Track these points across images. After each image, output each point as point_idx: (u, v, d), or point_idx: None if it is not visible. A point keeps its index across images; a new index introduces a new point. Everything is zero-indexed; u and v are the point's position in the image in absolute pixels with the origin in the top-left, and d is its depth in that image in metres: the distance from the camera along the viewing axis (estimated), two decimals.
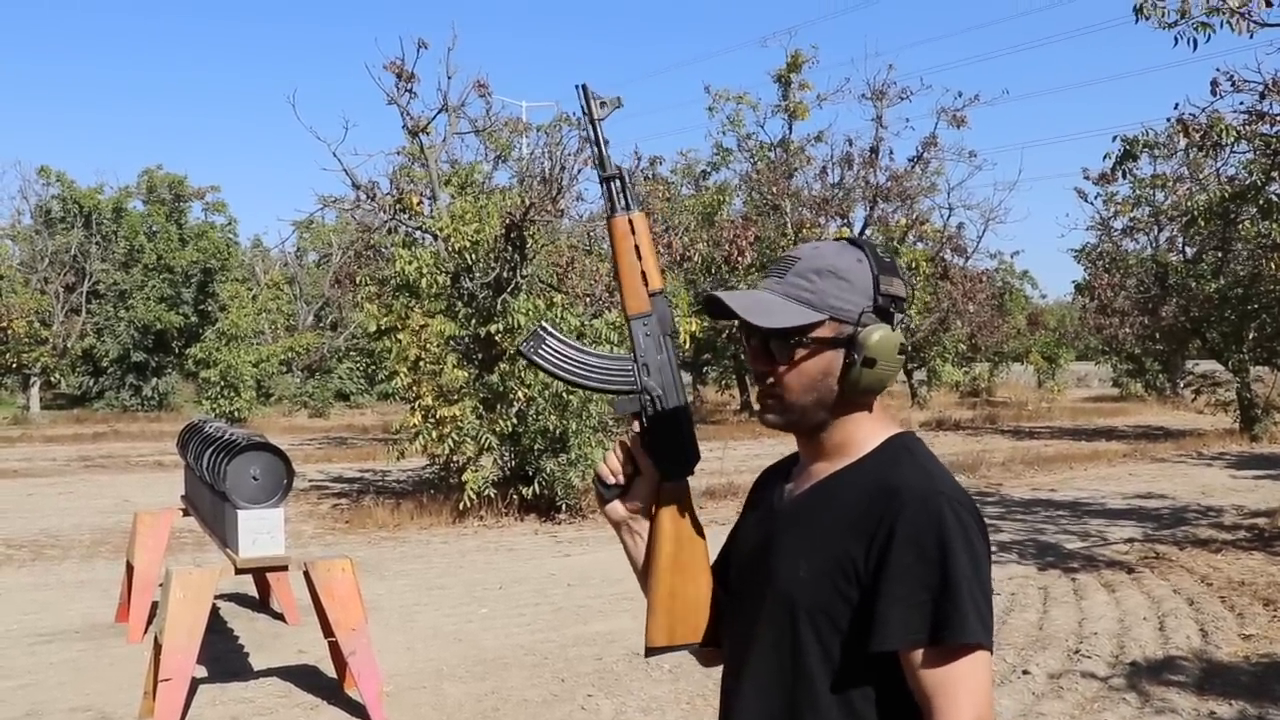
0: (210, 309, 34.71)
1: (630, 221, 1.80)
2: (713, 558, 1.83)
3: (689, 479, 1.81)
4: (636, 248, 1.80)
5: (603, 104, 1.83)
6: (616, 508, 1.83)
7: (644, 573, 1.83)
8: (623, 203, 1.81)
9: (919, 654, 1.53)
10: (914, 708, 1.57)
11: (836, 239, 1.85)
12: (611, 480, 1.81)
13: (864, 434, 1.70)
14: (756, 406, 1.78)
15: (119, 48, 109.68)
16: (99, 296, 35.42)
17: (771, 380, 1.69)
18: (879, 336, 1.64)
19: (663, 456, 1.79)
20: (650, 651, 1.80)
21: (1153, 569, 9.27)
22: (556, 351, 1.87)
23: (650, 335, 1.80)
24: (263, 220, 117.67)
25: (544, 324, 1.94)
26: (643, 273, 1.80)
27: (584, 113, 1.83)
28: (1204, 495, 14.05)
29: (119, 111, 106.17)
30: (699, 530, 1.80)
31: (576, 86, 1.82)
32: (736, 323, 1.69)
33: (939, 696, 1.52)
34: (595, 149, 1.84)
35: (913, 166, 26.02)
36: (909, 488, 1.59)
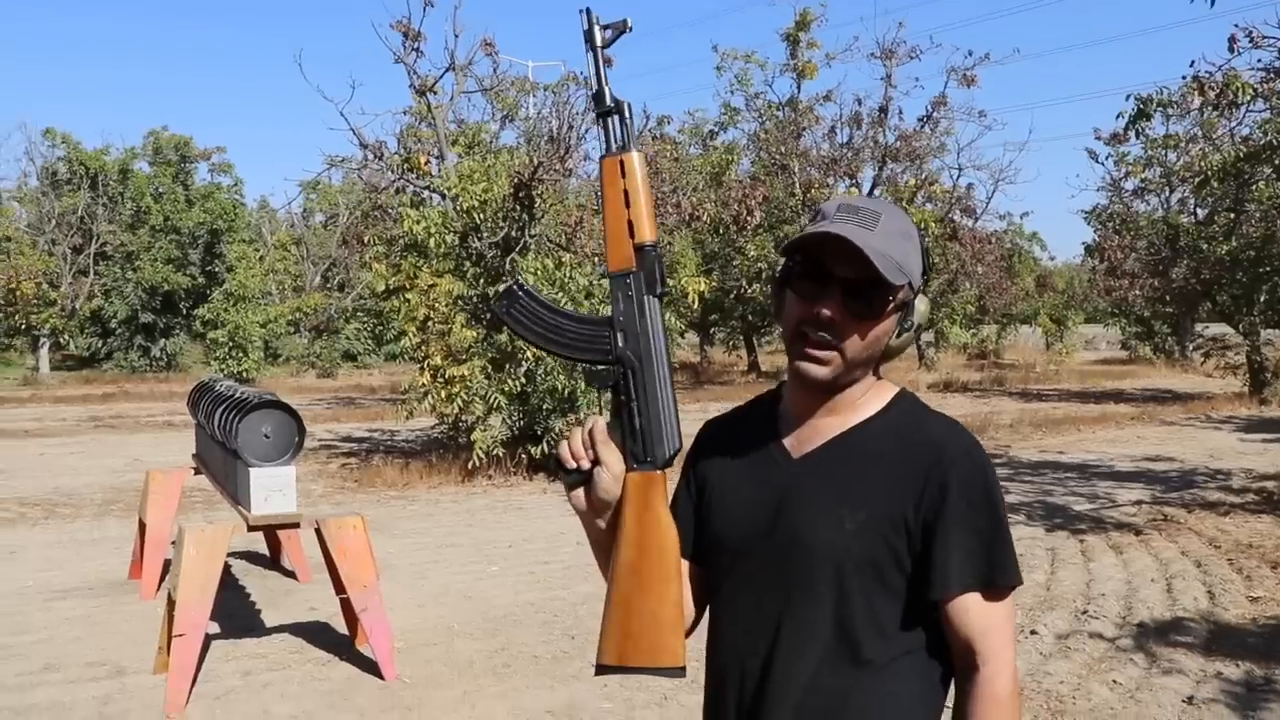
0: (217, 270, 34.75)
1: (621, 163, 1.63)
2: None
3: (665, 470, 1.62)
4: (626, 193, 1.63)
5: (606, 28, 1.66)
6: (578, 497, 1.65)
7: (605, 575, 1.68)
8: (618, 141, 1.65)
9: (971, 597, 1.60)
10: (943, 654, 1.65)
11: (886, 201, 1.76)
12: (572, 465, 1.62)
13: (873, 391, 1.71)
14: (800, 356, 1.63)
15: (123, 8, 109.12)
16: (106, 258, 35.46)
17: (848, 332, 1.61)
18: (925, 306, 1.71)
19: (634, 441, 1.60)
20: (599, 669, 1.67)
21: (1161, 531, 9.27)
22: (529, 311, 1.69)
23: (631, 297, 1.61)
24: (269, 181, 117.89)
25: (519, 281, 1.76)
26: (629, 222, 1.62)
27: (585, 39, 1.66)
28: (1212, 458, 14.03)
29: (124, 72, 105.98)
30: (669, 534, 1.61)
31: (581, 11, 1.66)
32: (791, 261, 1.63)
33: (987, 638, 1.60)
34: (594, 79, 1.66)
35: (922, 126, 25.83)
36: (952, 441, 1.63)
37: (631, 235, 1.62)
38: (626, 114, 1.65)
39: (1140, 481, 12.13)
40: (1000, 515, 1.61)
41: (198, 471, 7.62)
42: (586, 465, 1.61)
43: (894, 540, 1.60)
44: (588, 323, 1.67)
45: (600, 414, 1.64)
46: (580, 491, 1.64)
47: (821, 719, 1.62)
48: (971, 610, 1.59)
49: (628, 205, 1.62)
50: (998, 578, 1.60)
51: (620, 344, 1.61)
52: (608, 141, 1.65)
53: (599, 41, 1.66)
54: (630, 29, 1.67)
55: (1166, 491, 11.42)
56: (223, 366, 28.49)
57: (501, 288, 1.76)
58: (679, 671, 1.63)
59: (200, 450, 7.62)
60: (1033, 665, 5.79)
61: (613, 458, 1.60)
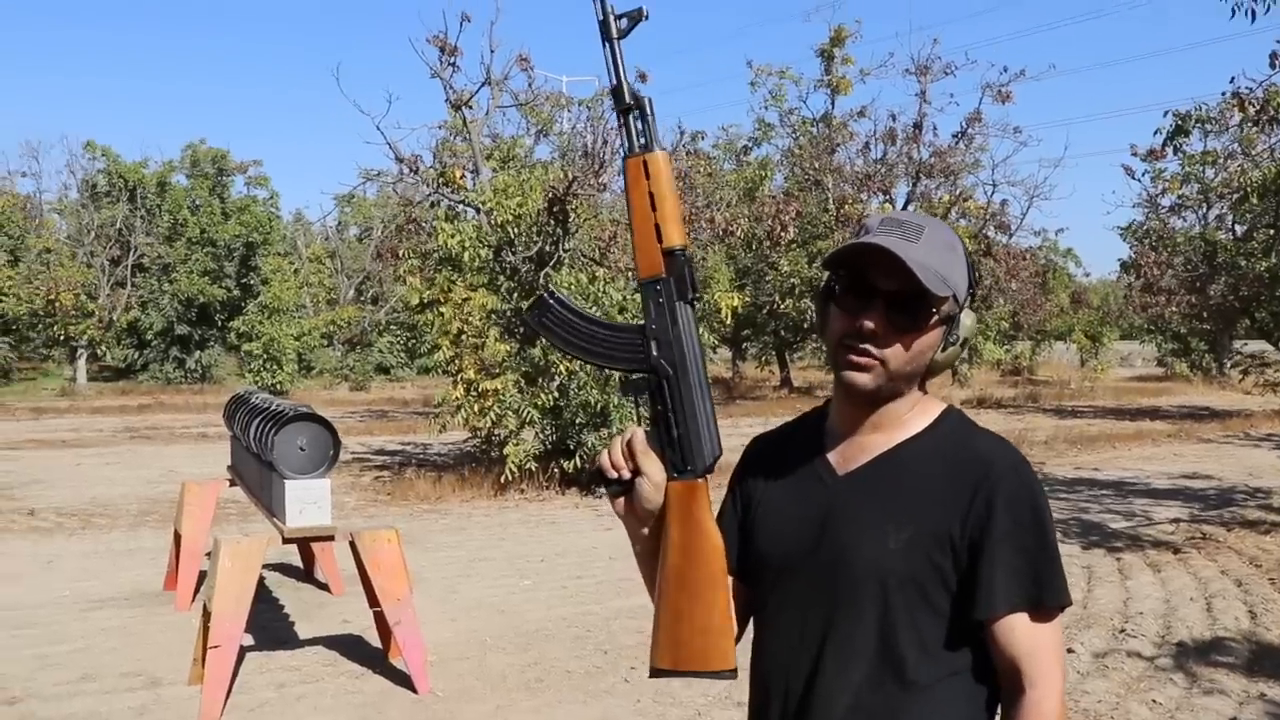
0: (252, 282, 35.00)
1: (644, 163, 1.56)
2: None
3: (707, 477, 1.61)
4: (651, 196, 1.56)
5: (621, 18, 1.57)
6: (621, 506, 1.64)
7: (651, 582, 1.69)
8: (641, 140, 1.58)
9: (1018, 618, 1.57)
10: (989, 677, 1.62)
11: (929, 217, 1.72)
12: (613, 475, 1.60)
13: (920, 408, 1.69)
14: (844, 365, 1.62)
15: (163, 23, 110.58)
16: (143, 270, 35.80)
17: (892, 343, 1.60)
18: (971, 320, 1.70)
19: (673, 450, 1.58)
20: (655, 672, 1.66)
21: (1199, 550, 9.16)
22: (562, 320, 1.66)
23: (664, 303, 1.57)
24: (305, 194, 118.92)
25: (551, 289, 1.75)
26: (656, 226, 1.56)
27: (600, 30, 1.58)
28: (1251, 476, 13.85)
29: (163, 86, 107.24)
30: (713, 540, 1.60)
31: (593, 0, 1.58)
32: (836, 275, 1.63)
33: (1034, 660, 1.57)
34: (612, 74, 1.58)
35: (957, 142, 25.70)
36: (1000, 457, 1.61)
37: (659, 240, 1.57)
38: (648, 110, 1.58)
39: (1178, 499, 11.99)
40: (1048, 533, 1.59)
41: (233, 483, 7.66)
42: (627, 475, 1.60)
43: (939, 558, 1.58)
44: (621, 330, 1.64)
45: (639, 423, 1.62)
46: (623, 501, 1.63)
47: None
48: (1018, 631, 1.56)
49: (654, 208, 1.56)
50: (1046, 598, 1.57)
51: (654, 352, 1.58)
52: (630, 141, 1.58)
53: (614, 32, 1.57)
54: (646, 17, 1.58)
55: (1205, 510, 11.28)
56: (257, 379, 28.69)
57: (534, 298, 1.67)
58: (730, 674, 1.62)
59: (235, 462, 7.67)
60: (1070, 684, 5.72)
61: (653, 467, 1.59)
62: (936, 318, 1.62)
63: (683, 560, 1.60)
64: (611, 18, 1.57)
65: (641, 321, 1.60)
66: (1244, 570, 8.38)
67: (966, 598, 1.58)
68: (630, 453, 1.60)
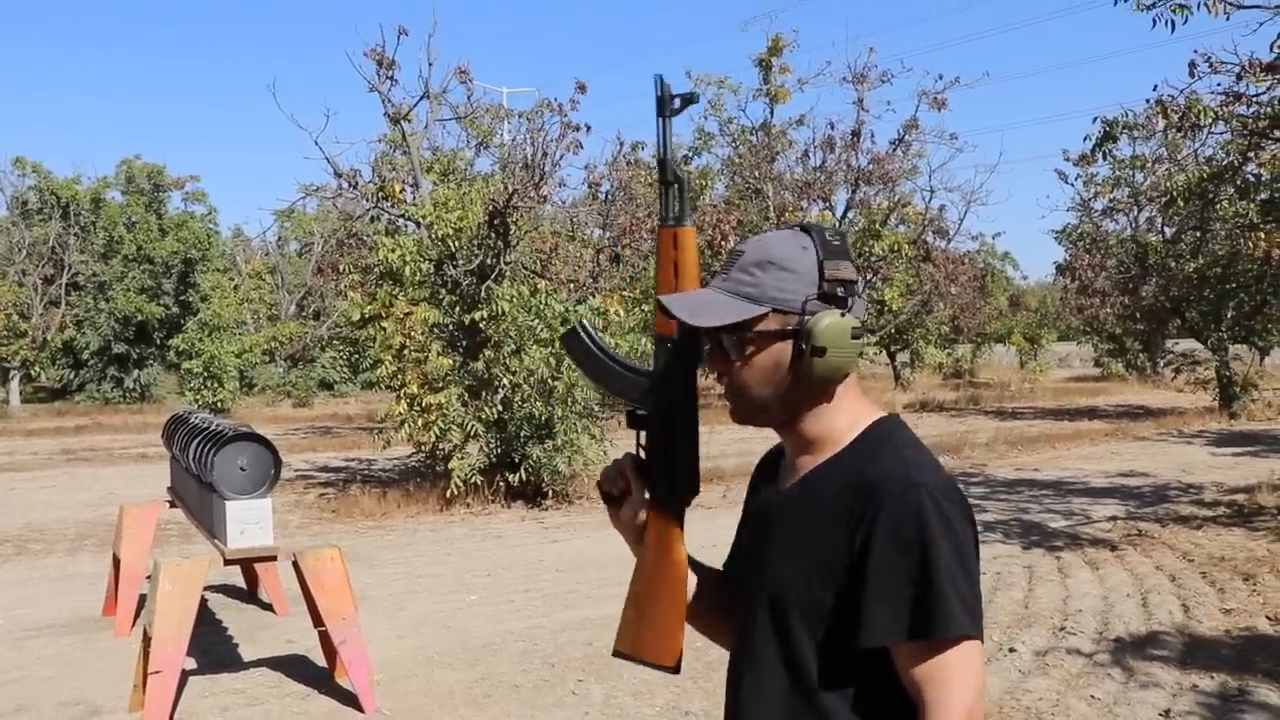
0: (191, 299, 34.57)
1: (675, 235, 1.71)
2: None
3: (682, 510, 1.74)
4: (675, 265, 1.71)
5: (676, 98, 1.71)
6: (612, 517, 1.80)
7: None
8: (674, 214, 1.71)
9: (907, 648, 1.52)
10: (909, 701, 1.56)
11: (784, 227, 1.77)
12: (609, 489, 1.79)
13: (843, 424, 1.68)
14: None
15: (94, 36, 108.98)
16: (78, 288, 35.22)
17: (729, 378, 1.67)
18: (827, 323, 1.61)
19: (654, 485, 1.73)
20: (616, 653, 1.80)
21: (1136, 546, 9.35)
22: (585, 351, 1.81)
23: (670, 359, 1.71)
24: (243, 210, 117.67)
25: (583, 322, 1.87)
26: (677, 289, 1.70)
27: (656, 108, 1.71)
28: (1185, 473, 14.17)
29: (96, 101, 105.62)
30: (679, 565, 1.74)
31: (655, 78, 1.71)
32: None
33: (929, 689, 1.51)
34: (661, 147, 1.72)
35: (894, 149, 26.00)
36: (887, 479, 1.56)
37: None
38: (686, 187, 1.73)
39: (1115, 497, 12.23)
40: (935, 560, 1.50)
41: (173, 505, 7.58)
42: (616, 493, 1.77)
43: (827, 584, 1.58)
44: (631, 370, 1.78)
45: (638, 453, 1.75)
46: (613, 512, 1.80)
47: None
48: (911, 659, 1.53)
49: (676, 275, 1.70)
50: (931, 629, 1.50)
51: (654, 398, 1.73)
52: (665, 211, 1.72)
53: (668, 111, 1.71)
54: (696, 100, 1.73)
55: (1141, 507, 11.52)
56: (197, 397, 28.31)
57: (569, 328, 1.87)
58: (672, 669, 1.75)
59: (175, 483, 7.59)
60: (1012, 683, 5.82)
61: (636, 492, 1.75)
62: (758, 339, 1.63)
63: (654, 573, 1.75)
64: (669, 97, 1.70)
65: (651, 367, 1.75)
66: (1178, 565, 8.57)
67: (852, 625, 1.56)
68: (618, 473, 1.76)
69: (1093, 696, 5.58)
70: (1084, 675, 5.94)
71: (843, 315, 1.61)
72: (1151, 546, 9.33)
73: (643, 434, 1.74)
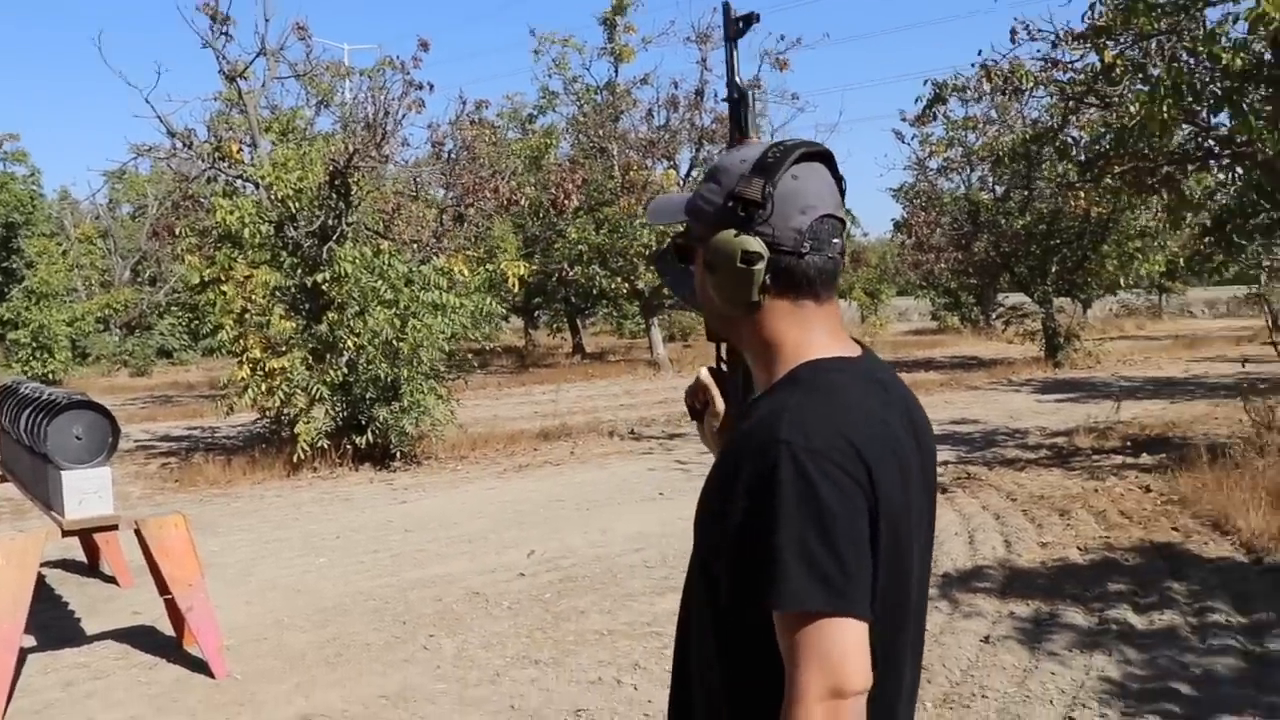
0: (15, 266, 33.00)
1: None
2: None
3: None
4: None
5: (738, 20, 1.83)
6: (700, 432, 1.85)
7: None
8: (741, 126, 1.81)
9: (775, 614, 1.41)
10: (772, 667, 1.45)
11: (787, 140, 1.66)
12: (692, 402, 1.85)
13: (778, 364, 1.58)
14: None
15: None
16: None
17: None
18: (714, 239, 1.55)
19: (738, 388, 1.75)
20: None
21: (965, 489, 9.85)
22: (676, 269, 1.78)
23: None
24: (70, 171, 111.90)
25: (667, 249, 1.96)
26: None
27: (725, 34, 1.83)
28: (1012, 419, 14.89)
29: None
30: None
31: (722, 3, 1.83)
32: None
33: (788, 667, 1.40)
34: (728, 69, 1.83)
35: None
36: (755, 433, 1.48)
37: None
38: (750, 102, 1.83)
39: (947, 444, 12.77)
40: (781, 526, 1.39)
41: (3, 479, 7.35)
42: (700, 406, 1.83)
43: (716, 549, 1.52)
44: None
45: (719, 365, 1.82)
46: (698, 426, 1.85)
47: None
48: (777, 626, 1.42)
49: None
50: (772, 597, 1.39)
51: None
52: (733, 126, 1.82)
53: (733, 33, 1.82)
54: (757, 19, 1.84)
55: (971, 452, 12.09)
56: (26, 369, 27.10)
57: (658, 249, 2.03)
58: None
59: (5, 457, 7.36)
60: None
61: (717, 400, 1.79)
62: (686, 246, 1.64)
63: None
64: (733, 21, 1.82)
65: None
66: (1002, 505, 9.09)
67: (718, 590, 1.52)
68: (699, 386, 1.82)
69: None
70: None
71: (736, 235, 1.53)
72: (979, 488, 9.84)
73: (723, 347, 1.80)
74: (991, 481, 10.12)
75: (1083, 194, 17.15)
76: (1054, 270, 23.69)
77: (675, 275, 1.78)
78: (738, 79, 1.82)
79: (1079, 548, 7.52)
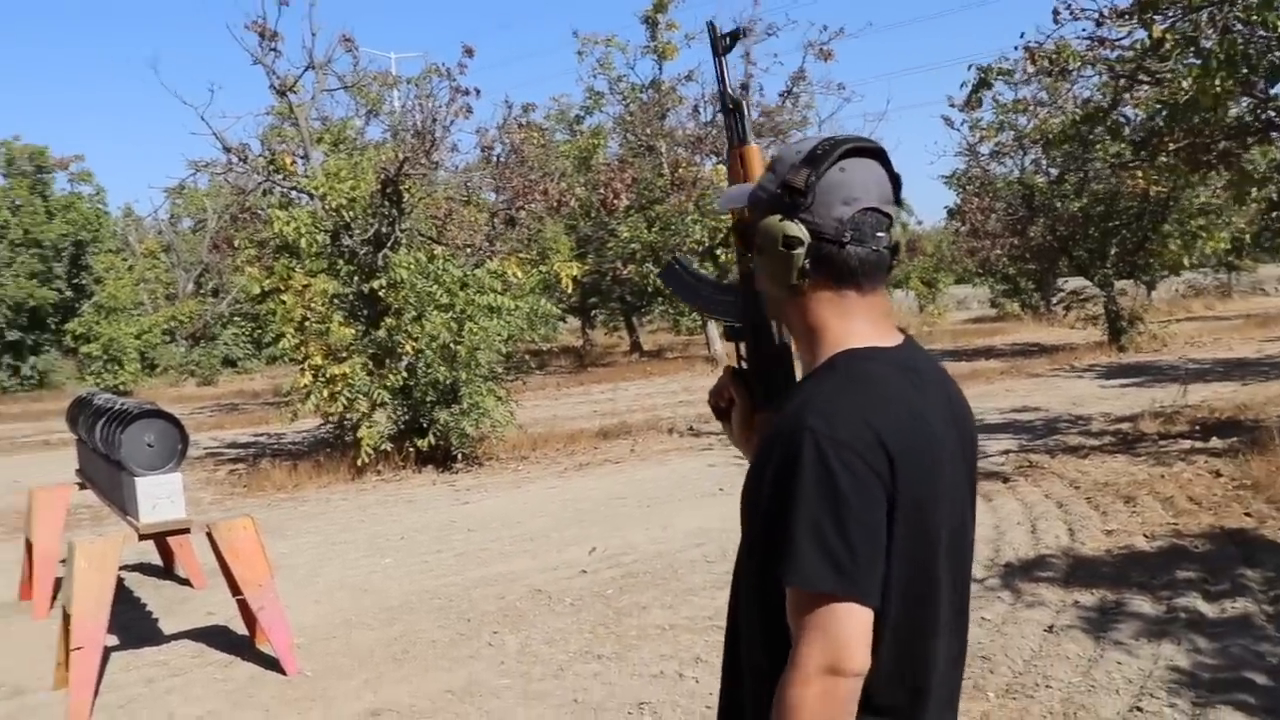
0: (85, 282, 33.72)
1: (740, 154, 1.83)
2: None
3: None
4: (744, 179, 1.82)
5: (725, 36, 1.89)
6: (726, 430, 1.90)
7: None
8: (738, 134, 1.84)
9: (786, 592, 1.51)
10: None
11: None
12: (717, 402, 1.90)
13: (819, 350, 1.66)
14: None
15: None
16: None
17: None
18: (762, 222, 1.63)
19: (759, 386, 1.81)
20: None
21: (1027, 477, 9.75)
22: (684, 281, 1.96)
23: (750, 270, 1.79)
24: (133, 189, 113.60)
25: (677, 256, 2.07)
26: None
27: (712, 50, 1.89)
28: (1075, 405, 14.68)
29: None
30: None
31: (706, 23, 1.89)
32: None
33: (795, 636, 1.49)
34: (719, 81, 1.88)
35: (783, 101, 26.30)
36: (786, 419, 1.55)
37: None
38: (745, 111, 1.86)
39: (1009, 432, 12.66)
40: (797, 508, 1.47)
41: (83, 487, 7.57)
42: (723, 405, 1.88)
43: (752, 527, 1.62)
44: (721, 290, 1.92)
45: (739, 365, 1.88)
46: (726, 427, 1.91)
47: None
48: (788, 601, 1.51)
49: None
50: (784, 573, 1.48)
51: (743, 311, 1.84)
52: (730, 135, 1.87)
53: (720, 50, 1.89)
54: (743, 34, 1.98)
55: (1032, 440, 11.95)
56: (98, 381, 27.72)
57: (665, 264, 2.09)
58: None
59: (83, 465, 7.57)
60: None
61: (740, 399, 1.85)
62: (744, 231, 1.71)
63: None
64: (718, 38, 1.89)
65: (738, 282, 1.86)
66: (1065, 493, 8.98)
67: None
68: (722, 384, 1.88)
69: (983, 618, 5.91)
70: (976, 599, 6.27)
71: (781, 220, 1.61)
72: (1041, 476, 9.74)
73: (742, 346, 1.87)
74: (1054, 469, 10.01)
75: (1140, 174, 16.86)
76: (1113, 252, 23.28)
77: (683, 287, 1.95)
78: (730, 90, 1.88)
79: (1145, 535, 7.42)
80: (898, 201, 1.67)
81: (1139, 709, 4.57)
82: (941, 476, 1.58)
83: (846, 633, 1.45)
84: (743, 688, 1.66)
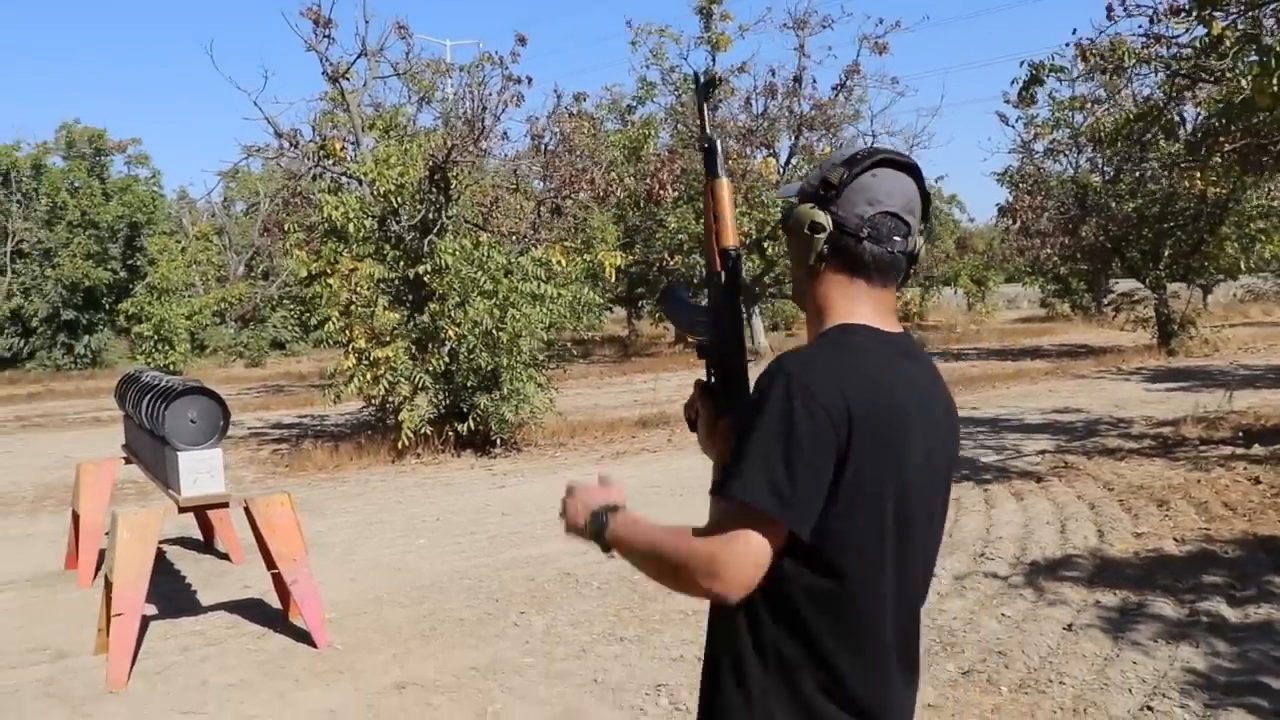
0: (139, 263, 34.26)
1: (711, 187, 1.97)
2: None
3: None
4: (714, 211, 1.96)
5: (706, 84, 2.06)
6: (697, 438, 2.03)
7: None
8: (713, 171, 1.97)
9: (715, 500, 1.70)
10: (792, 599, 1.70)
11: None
12: (689, 414, 2.04)
13: (823, 322, 1.82)
14: None
15: (26, 2, 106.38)
16: (23, 256, 34.77)
17: None
18: (796, 209, 1.81)
19: (723, 398, 1.95)
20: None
21: (1060, 478, 9.74)
22: (673, 306, 2.10)
23: (720, 290, 1.95)
24: (187, 172, 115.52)
25: (672, 283, 2.21)
26: (716, 234, 1.95)
27: (696, 95, 2.07)
28: (1117, 408, 14.59)
29: (32, 66, 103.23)
30: None
31: (690, 73, 2.08)
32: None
33: (711, 521, 1.69)
34: (698, 124, 2.05)
35: (836, 95, 26.27)
36: (769, 365, 1.70)
37: (717, 242, 1.95)
38: (717, 150, 1.99)
39: (1047, 433, 12.63)
40: (752, 426, 1.64)
41: (129, 461, 7.77)
42: (693, 416, 2.02)
43: None
44: (697, 311, 2.06)
45: (708, 378, 2.01)
46: (698, 436, 2.03)
47: None
48: (717, 508, 1.70)
49: (715, 219, 1.96)
50: (725, 485, 1.64)
51: (711, 329, 1.98)
52: (706, 169, 2.00)
53: (703, 96, 2.04)
54: (720, 82, 2.15)
55: (1070, 441, 11.92)
56: (149, 360, 28.23)
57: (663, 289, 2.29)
58: None
59: (129, 440, 7.78)
60: (929, 605, 6.10)
61: (707, 410, 1.98)
62: (786, 226, 1.86)
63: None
64: (702, 86, 2.04)
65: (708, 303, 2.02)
66: (1098, 494, 8.97)
67: None
68: (692, 398, 2.01)
69: (1003, 615, 5.95)
70: (998, 596, 6.32)
71: (811, 208, 1.79)
72: (1075, 477, 9.72)
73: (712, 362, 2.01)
74: (1089, 471, 9.98)
75: (1197, 174, 16.63)
76: (1167, 254, 23.00)
77: (674, 308, 2.08)
78: (708, 131, 2.01)
79: (1175, 539, 7.41)
80: (925, 218, 1.83)
81: (1149, 708, 4.60)
82: (903, 456, 1.71)
83: (757, 549, 1.61)
84: (736, 623, 1.75)
